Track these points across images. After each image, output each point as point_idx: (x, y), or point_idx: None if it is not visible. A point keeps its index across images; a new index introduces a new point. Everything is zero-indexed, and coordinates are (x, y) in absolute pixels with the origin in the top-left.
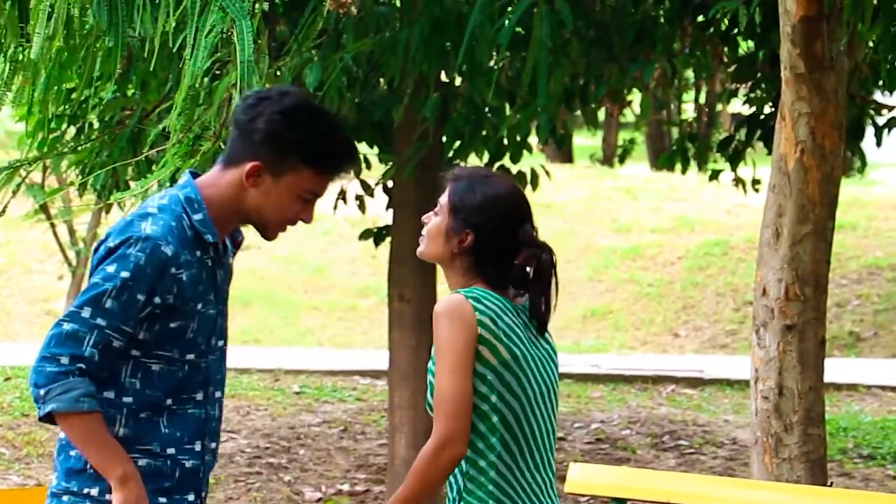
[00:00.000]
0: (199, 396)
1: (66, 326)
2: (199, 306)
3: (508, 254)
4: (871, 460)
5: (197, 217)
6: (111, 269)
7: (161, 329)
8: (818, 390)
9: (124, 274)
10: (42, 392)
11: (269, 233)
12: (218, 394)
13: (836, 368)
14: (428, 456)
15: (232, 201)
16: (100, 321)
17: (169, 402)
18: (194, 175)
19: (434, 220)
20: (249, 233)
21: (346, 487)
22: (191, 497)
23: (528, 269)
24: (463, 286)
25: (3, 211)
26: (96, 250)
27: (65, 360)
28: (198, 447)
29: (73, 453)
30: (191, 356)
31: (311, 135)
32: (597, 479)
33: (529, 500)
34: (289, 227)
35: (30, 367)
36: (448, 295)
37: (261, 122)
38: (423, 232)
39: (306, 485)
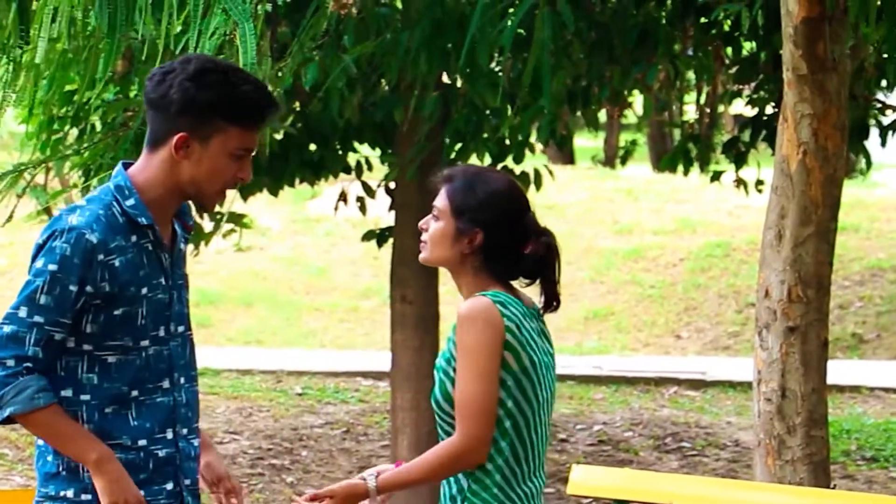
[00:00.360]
0: (166, 384)
1: (6, 329)
2: (144, 291)
3: (517, 245)
4: (874, 462)
5: (129, 203)
6: (40, 264)
7: (106, 319)
8: (821, 392)
9: (52, 267)
10: None
11: (208, 203)
12: (183, 380)
13: (839, 370)
14: (450, 456)
15: (165, 180)
16: (37, 318)
17: (135, 393)
18: (126, 165)
19: (436, 225)
20: (252, 234)
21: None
22: (169, 486)
23: (536, 257)
24: (476, 287)
25: (10, 217)
26: (32, 254)
27: (10, 363)
28: (169, 435)
29: (49, 458)
30: (145, 342)
31: (226, 92)
32: (599, 480)
33: None
34: (227, 192)
35: None
36: (472, 298)
37: (174, 94)
38: (425, 238)
39: (309, 486)
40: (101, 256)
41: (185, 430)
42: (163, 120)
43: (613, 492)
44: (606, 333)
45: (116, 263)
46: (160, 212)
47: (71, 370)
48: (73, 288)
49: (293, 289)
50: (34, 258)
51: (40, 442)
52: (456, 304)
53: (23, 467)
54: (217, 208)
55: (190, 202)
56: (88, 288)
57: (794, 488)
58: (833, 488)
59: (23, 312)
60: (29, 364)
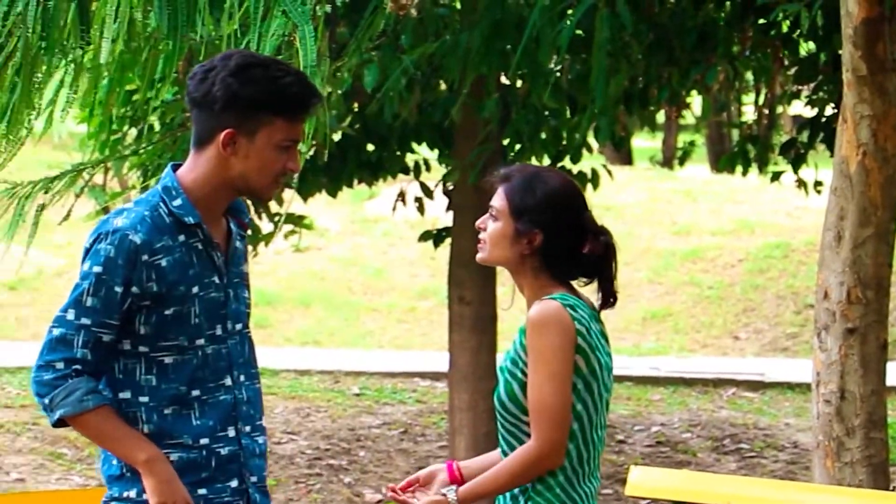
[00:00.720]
0: (227, 382)
1: (55, 332)
2: (195, 290)
3: (576, 245)
4: None
5: (176, 203)
6: (86, 266)
7: (159, 320)
8: (880, 394)
9: (97, 269)
10: (47, 401)
11: (261, 195)
12: (243, 377)
13: None
14: (530, 462)
15: (214, 178)
16: (84, 320)
17: (196, 392)
18: (175, 167)
19: (495, 225)
20: (310, 235)
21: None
22: (233, 483)
23: (594, 256)
24: (539, 288)
25: (68, 216)
26: (82, 257)
27: (60, 366)
28: (231, 433)
29: (113, 462)
30: (201, 341)
31: (269, 86)
32: (657, 482)
33: None
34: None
35: None
36: (542, 301)
37: (217, 91)
38: (483, 237)
39: (366, 486)
40: (145, 257)
41: (248, 428)
42: (207, 118)
43: (671, 493)
44: (664, 334)
45: (163, 263)
46: (209, 210)
47: (129, 373)
48: (118, 289)
49: (351, 289)
50: (82, 261)
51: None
52: (513, 304)
53: (81, 467)
54: (277, 209)
55: (246, 200)
56: (134, 289)
57: (853, 490)
58: (892, 490)
59: (70, 315)
60: (78, 366)
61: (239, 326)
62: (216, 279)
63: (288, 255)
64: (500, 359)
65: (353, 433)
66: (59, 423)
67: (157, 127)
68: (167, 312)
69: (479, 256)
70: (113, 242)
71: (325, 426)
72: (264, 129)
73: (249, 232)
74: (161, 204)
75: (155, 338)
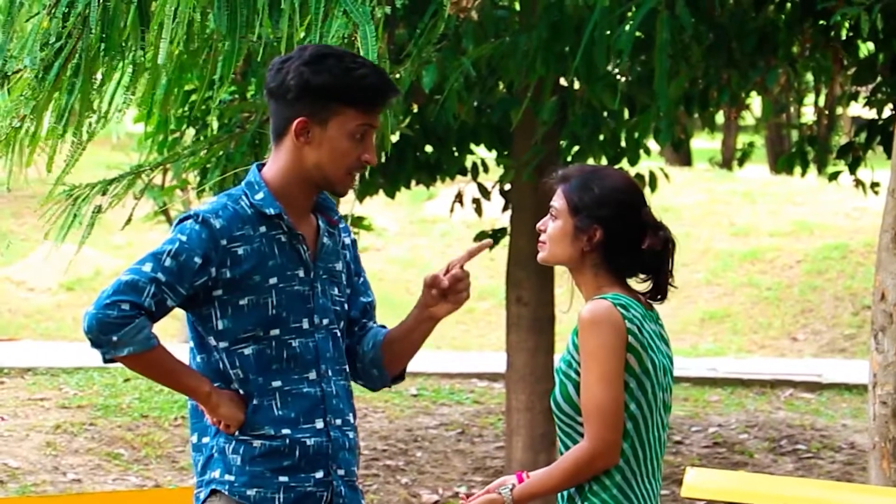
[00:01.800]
0: (312, 375)
1: (127, 277)
2: (273, 280)
3: (636, 240)
4: None
5: (258, 196)
6: (170, 236)
7: (234, 311)
8: None
9: (181, 237)
10: (114, 338)
11: (338, 187)
12: (331, 372)
13: None
14: (583, 462)
15: (291, 170)
16: (160, 276)
17: (277, 383)
18: (260, 167)
19: (555, 224)
20: (369, 236)
21: (462, 490)
22: (318, 474)
23: (654, 251)
24: (596, 287)
25: (129, 219)
26: None
27: (126, 307)
28: (319, 425)
29: (203, 449)
30: (276, 332)
31: (342, 75)
32: (714, 483)
33: None
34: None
35: None
36: (593, 301)
37: (290, 80)
38: (544, 238)
39: (423, 487)
40: (224, 241)
41: (338, 421)
42: (283, 108)
43: (728, 494)
44: (722, 335)
45: (240, 251)
46: (292, 204)
47: (214, 363)
48: (197, 259)
49: (409, 290)
50: None
51: (194, 439)
52: (571, 305)
53: (138, 468)
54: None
55: (330, 196)
56: (212, 270)
57: None
58: None
59: (147, 268)
60: (143, 312)
61: (326, 322)
62: (301, 273)
63: None
64: (558, 360)
65: (410, 434)
66: (111, 360)
67: (215, 127)
68: (242, 302)
69: (540, 256)
70: (196, 220)
71: (382, 427)
72: (336, 118)
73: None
74: (244, 196)
75: (234, 331)
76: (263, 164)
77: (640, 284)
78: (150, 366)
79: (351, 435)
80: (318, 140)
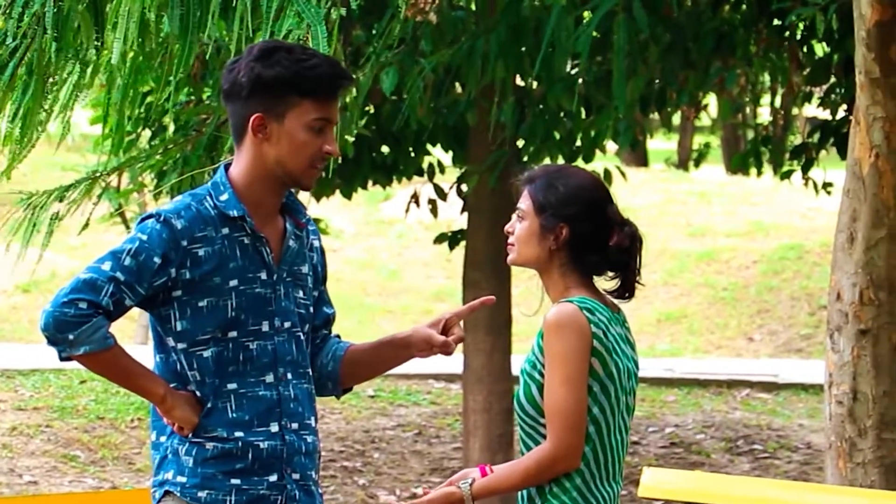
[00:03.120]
0: (269, 378)
1: (85, 276)
2: (234, 283)
3: (603, 237)
4: None
5: (222, 198)
6: (130, 235)
7: (193, 312)
8: (893, 395)
9: (141, 236)
10: (71, 336)
11: (302, 180)
12: (290, 375)
13: None
14: (544, 463)
15: (254, 168)
16: (119, 275)
17: (233, 385)
18: (227, 167)
19: (522, 225)
20: (325, 237)
21: (420, 491)
22: (272, 478)
23: (621, 248)
24: (564, 288)
25: (87, 225)
26: None
27: (83, 306)
28: (274, 428)
29: (160, 447)
30: (233, 333)
31: (294, 67)
32: (671, 483)
33: None
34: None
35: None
36: (559, 304)
37: (242, 78)
38: (511, 240)
39: (380, 488)
40: (184, 242)
41: (294, 425)
42: (239, 107)
43: (685, 494)
44: (679, 336)
45: (200, 252)
46: (258, 205)
47: (172, 364)
48: (157, 259)
49: (366, 291)
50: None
51: (153, 437)
52: (527, 306)
53: (94, 469)
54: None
55: (296, 198)
56: (171, 270)
57: (866, 491)
58: None
59: (106, 266)
60: (100, 311)
61: (288, 325)
62: (263, 275)
63: None
64: (516, 361)
65: (367, 435)
66: (67, 359)
67: (171, 128)
68: (201, 304)
69: (509, 258)
70: (157, 221)
71: (339, 428)
72: (292, 111)
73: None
74: (208, 198)
75: (192, 332)
76: (229, 165)
77: (607, 282)
78: (106, 365)
79: (309, 439)
80: (277, 135)
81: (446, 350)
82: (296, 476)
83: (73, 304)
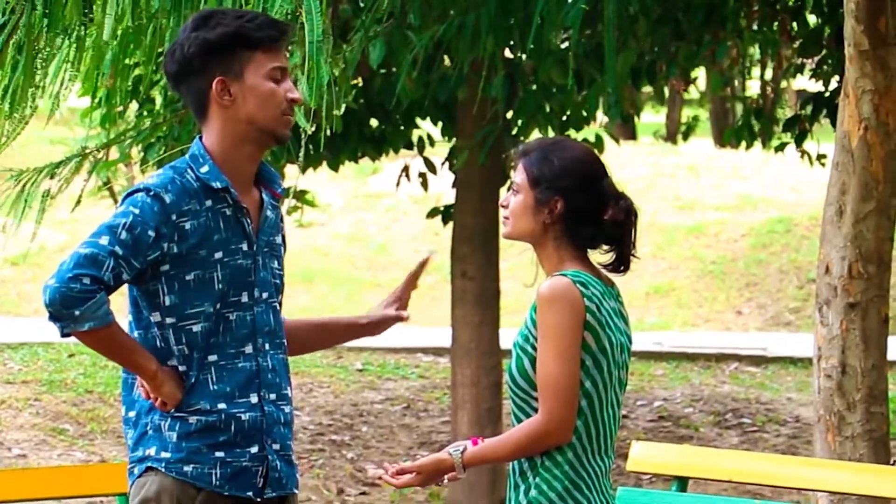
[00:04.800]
0: (248, 349)
1: (86, 251)
2: (219, 255)
3: (598, 211)
4: None
5: (203, 169)
6: (122, 209)
7: (181, 286)
8: (881, 368)
9: (135, 210)
10: (77, 313)
11: (277, 131)
12: (268, 346)
13: None
14: (536, 436)
15: (227, 135)
16: (117, 249)
17: (213, 357)
18: (202, 139)
19: (517, 199)
20: (313, 211)
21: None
22: (253, 449)
23: (616, 221)
24: (558, 261)
25: (79, 201)
26: None
27: (87, 281)
28: (253, 399)
29: (139, 424)
30: (219, 307)
31: (233, 23)
32: (659, 457)
33: (594, 484)
34: (285, 117)
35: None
36: (553, 277)
37: (189, 50)
38: (507, 214)
39: (369, 462)
40: (174, 217)
41: (272, 395)
42: (195, 81)
43: (673, 468)
44: (667, 309)
45: (187, 226)
46: (237, 175)
47: (151, 339)
48: (151, 233)
49: (354, 265)
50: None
51: (122, 412)
52: (516, 280)
53: (83, 443)
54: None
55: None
56: (164, 245)
57: (854, 464)
58: (893, 464)
59: (104, 241)
60: (102, 287)
61: (266, 295)
62: (244, 246)
63: (290, 230)
64: (504, 335)
65: (355, 408)
66: (68, 335)
67: (158, 101)
68: (188, 278)
69: (504, 232)
70: (148, 193)
71: (327, 401)
72: (248, 66)
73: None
74: (189, 170)
75: (181, 307)
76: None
77: (602, 256)
78: (105, 341)
79: (286, 409)
80: (241, 94)
81: (401, 318)
82: (276, 447)
83: (77, 280)
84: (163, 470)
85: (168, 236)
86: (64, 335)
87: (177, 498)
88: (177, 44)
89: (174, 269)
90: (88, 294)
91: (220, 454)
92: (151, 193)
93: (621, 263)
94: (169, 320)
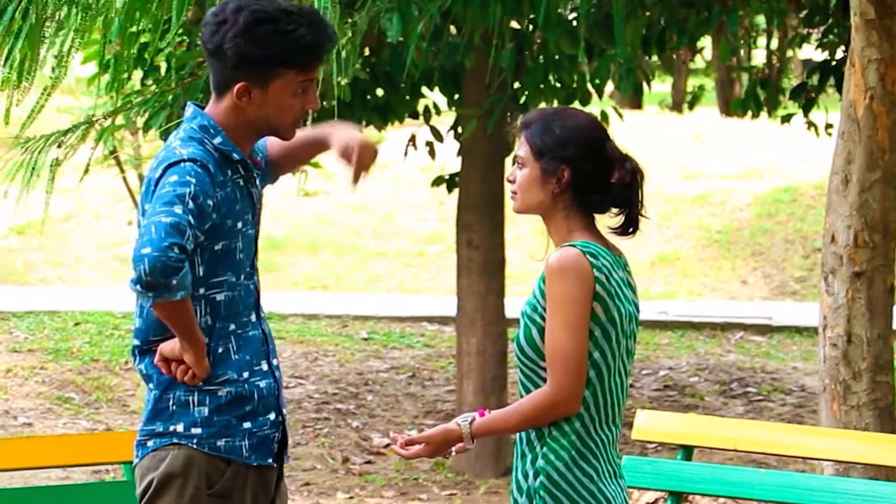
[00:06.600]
0: (253, 317)
1: (169, 220)
2: (239, 225)
3: (604, 175)
4: None
5: (217, 140)
6: (176, 178)
7: (211, 256)
8: (887, 338)
9: (192, 180)
10: (174, 281)
11: (284, 134)
12: (262, 312)
13: None
14: (543, 407)
15: (237, 122)
16: (190, 218)
17: (233, 326)
18: (199, 107)
19: (523, 172)
20: (318, 179)
21: (413, 433)
22: (272, 416)
23: (623, 184)
24: (567, 230)
25: (87, 170)
26: (146, 191)
27: (176, 250)
28: (265, 366)
29: (163, 397)
30: (241, 277)
31: (279, 43)
32: (664, 425)
33: (601, 453)
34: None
35: (99, 310)
36: (562, 248)
37: (227, 49)
38: (514, 188)
39: (374, 430)
40: (217, 188)
41: (275, 361)
42: (223, 69)
43: (678, 437)
44: (673, 278)
45: (220, 197)
46: (242, 148)
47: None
48: (210, 203)
49: (359, 234)
50: (154, 190)
51: (158, 390)
52: (521, 249)
53: (89, 411)
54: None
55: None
56: (213, 214)
57: (859, 433)
58: None
59: (178, 210)
60: (185, 256)
61: (256, 263)
62: (250, 216)
63: (295, 199)
64: (510, 303)
65: (361, 377)
66: (157, 306)
67: (163, 68)
68: (217, 248)
69: (513, 207)
70: (196, 166)
71: (333, 370)
72: (277, 81)
73: None
74: (205, 140)
75: (209, 275)
76: (200, 106)
77: (612, 219)
78: (183, 311)
79: (278, 374)
80: (260, 100)
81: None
82: (285, 412)
83: (172, 248)
84: (193, 446)
85: (215, 207)
86: (155, 305)
87: (206, 472)
88: (222, 26)
89: (207, 239)
90: (181, 263)
91: (247, 425)
92: (199, 164)
93: (630, 225)
94: (199, 291)
